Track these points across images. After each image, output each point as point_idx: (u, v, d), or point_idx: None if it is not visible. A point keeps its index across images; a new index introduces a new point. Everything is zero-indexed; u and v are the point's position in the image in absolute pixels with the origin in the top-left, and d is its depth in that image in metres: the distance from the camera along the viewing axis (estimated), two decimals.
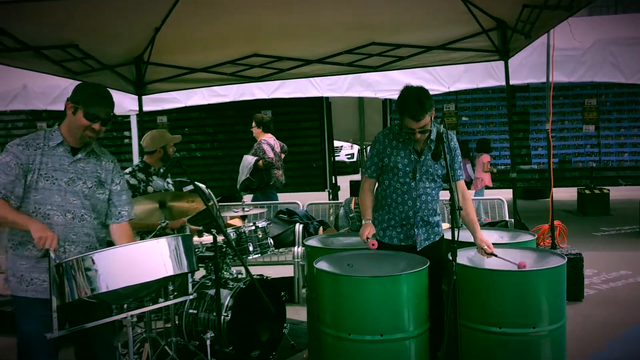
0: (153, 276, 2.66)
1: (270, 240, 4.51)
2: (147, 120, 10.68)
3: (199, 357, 4.00)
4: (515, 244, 4.02)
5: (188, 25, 4.85)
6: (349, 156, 19.04)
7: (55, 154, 2.88)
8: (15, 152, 2.79)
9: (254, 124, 7.64)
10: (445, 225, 5.81)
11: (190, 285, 3.06)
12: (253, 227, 4.40)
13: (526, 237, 4.24)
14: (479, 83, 8.01)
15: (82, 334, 2.93)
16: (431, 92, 8.79)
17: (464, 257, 3.70)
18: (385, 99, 10.22)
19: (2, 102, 9.08)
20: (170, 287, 4.00)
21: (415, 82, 8.23)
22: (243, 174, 7.39)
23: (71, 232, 2.92)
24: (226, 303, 4.06)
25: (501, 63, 5.41)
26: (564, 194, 12.07)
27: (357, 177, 14.15)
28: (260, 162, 7.30)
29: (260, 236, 4.41)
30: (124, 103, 8.83)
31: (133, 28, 4.82)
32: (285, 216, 6.13)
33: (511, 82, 8.21)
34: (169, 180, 4.96)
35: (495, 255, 3.57)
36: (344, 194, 11.07)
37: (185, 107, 9.20)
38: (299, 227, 5.90)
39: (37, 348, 2.79)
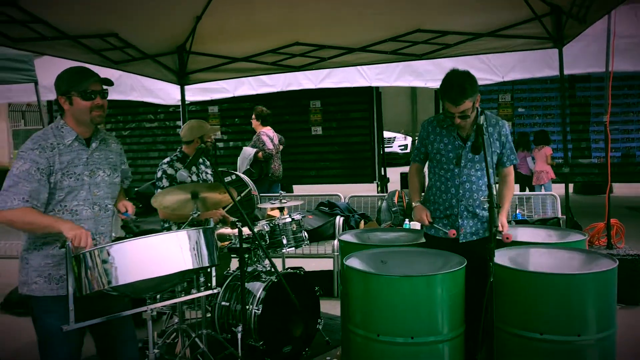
0: (171, 270, 2.60)
1: (305, 234, 4.40)
2: (198, 110, 10.89)
3: (229, 351, 3.94)
4: (563, 244, 3.76)
5: (228, 14, 4.79)
6: (402, 147, 18.72)
7: (72, 150, 2.82)
8: (33, 157, 2.70)
9: (253, 116, 7.83)
10: None
11: (214, 279, 2.97)
12: (288, 220, 4.30)
13: (576, 237, 3.97)
14: (535, 73, 7.64)
15: (103, 327, 2.91)
16: (484, 82, 8.49)
17: (505, 257, 3.48)
18: (437, 89, 9.94)
19: None
20: (202, 279, 3.97)
21: None
22: (243, 165, 7.57)
23: (99, 223, 2.90)
24: (258, 295, 3.98)
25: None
26: (628, 190, 11.46)
27: (407, 168, 13.87)
28: (260, 153, 7.49)
29: (295, 229, 4.30)
30: (175, 93, 8.92)
31: (174, 17, 4.80)
32: (326, 208, 6.02)
33: (571, 72, 7.86)
34: (208, 170, 4.93)
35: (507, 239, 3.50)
36: (394, 186, 10.88)
37: (236, 98, 9.23)
38: (339, 220, 5.77)
39: (61, 343, 2.76)
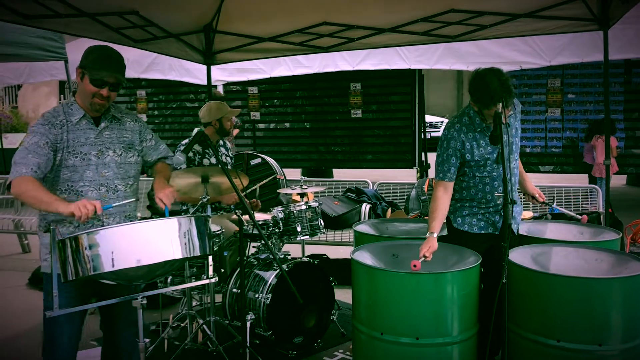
0: (158, 259, 2.48)
1: (321, 222, 4.24)
2: (239, 90, 10.84)
3: (237, 339, 3.86)
4: (593, 243, 3.47)
5: None
6: None
7: (79, 129, 2.77)
8: (43, 131, 2.69)
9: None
10: (528, 214, 5.29)
11: (210, 268, 2.87)
12: (303, 207, 4.15)
13: (610, 236, 3.66)
14: (585, 57, 7.16)
15: (106, 308, 2.91)
16: (530, 66, 8.04)
17: (527, 255, 3.25)
18: None
19: None
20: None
21: (511, 54, 7.59)
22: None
23: (107, 204, 2.83)
24: (268, 283, 3.87)
25: (613, 33, 4.68)
26: None
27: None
28: None
29: (310, 216, 4.15)
30: (214, 73, 8.88)
31: None
32: (354, 195, 5.84)
33: (626, 56, 7.35)
34: (228, 153, 4.83)
35: (549, 205, 3.14)
36: None
37: (276, 79, 9.09)
38: (365, 207, 5.59)
39: (63, 320, 2.74)
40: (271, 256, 4.08)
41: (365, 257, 3.25)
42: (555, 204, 5.39)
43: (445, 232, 3.50)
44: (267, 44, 5.32)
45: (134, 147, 2.97)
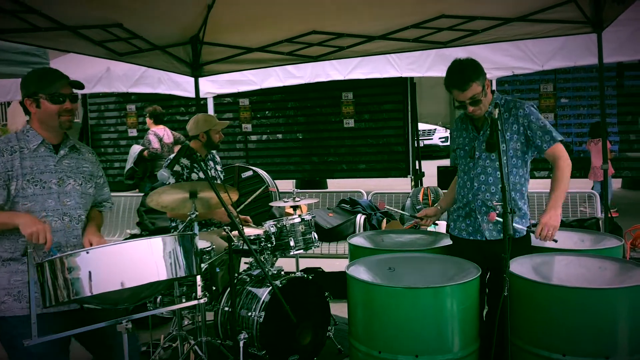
0: (141, 281, 2.35)
1: (315, 235, 4.12)
2: (230, 102, 10.74)
3: None
4: (595, 251, 3.37)
5: (241, 1, 4.54)
6: (443, 139, 18.18)
7: (37, 156, 2.64)
8: None
9: (147, 115, 8.13)
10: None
11: (199, 288, 2.74)
12: (296, 220, 4.03)
13: (612, 243, 3.57)
14: (578, 60, 7.09)
15: (97, 338, 2.75)
16: (523, 71, 7.96)
17: (528, 266, 3.13)
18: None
19: (88, 85, 9.30)
20: (200, 284, 3.75)
21: (503, 60, 7.53)
22: (128, 163, 7.80)
23: (71, 235, 2.70)
24: (261, 301, 3.74)
25: (606, 36, 4.60)
26: None
27: (447, 162, 13.43)
28: (145, 152, 7.69)
29: (304, 230, 4.03)
30: (201, 86, 8.74)
31: (184, 6, 4.57)
32: (348, 206, 5.72)
33: (619, 59, 7.29)
34: (218, 167, 4.72)
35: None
36: (430, 180, 10.46)
37: (267, 90, 9.00)
38: (360, 219, 5.48)
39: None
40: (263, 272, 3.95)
41: (360, 272, 3.13)
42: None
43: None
44: (256, 54, 5.23)
45: (93, 179, 2.86)
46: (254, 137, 10.91)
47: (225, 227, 2.95)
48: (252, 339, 3.71)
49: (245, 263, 4.34)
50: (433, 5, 4.57)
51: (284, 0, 4.48)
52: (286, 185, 10.65)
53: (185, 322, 4.57)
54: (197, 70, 5.42)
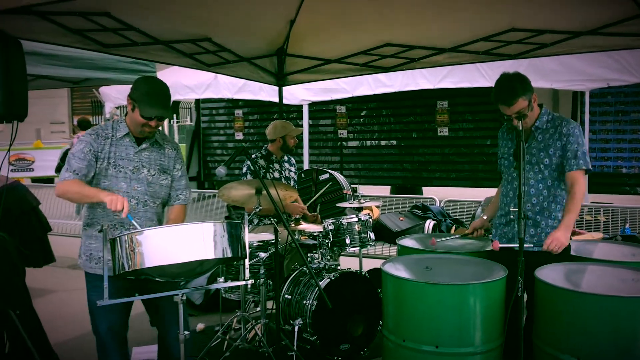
0: (192, 257, 2.77)
1: (371, 234, 4.41)
2: (327, 109, 11.22)
3: (285, 342, 4.11)
4: (634, 264, 3.38)
5: (320, 14, 4.89)
6: None
7: (122, 144, 3.17)
8: (89, 140, 3.11)
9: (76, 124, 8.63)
10: (597, 235, 5.13)
11: (247, 271, 3.14)
12: (353, 219, 4.35)
13: None
14: None
15: (153, 306, 3.31)
16: (618, 83, 7.74)
17: (560, 273, 3.24)
18: (576, 91, 9.23)
19: (198, 91, 10.20)
20: (262, 271, 4.16)
21: (597, 71, 7.38)
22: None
23: (135, 216, 3.17)
24: (316, 289, 4.09)
25: None
26: None
27: None
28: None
29: (360, 229, 4.34)
30: (298, 93, 9.34)
31: (268, 22, 5.02)
32: (419, 211, 5.93)
33: None
34: (293, 169, 5.14)
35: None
36: None
37: (363, 97, 9.35)
38: (429, 224, 5.67)
39: (101, 316, 3.16)
40: (321, 265, 4.31)
41: (397, 268, 3.38)
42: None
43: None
44: (334, 65, 5.60)
45: (168, 172, 3.32)
46: (350, 143, 11.30)
47: (273, 220, 3.32)
48: (306, 325, 4.07)
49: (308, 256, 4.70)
50: (502, 18, 4.69)
51: (360, 14, 4.80)
52: (381, 190, 10.89)
53: (258, 309, 5.01)
54: (281, 79, 5.89)
